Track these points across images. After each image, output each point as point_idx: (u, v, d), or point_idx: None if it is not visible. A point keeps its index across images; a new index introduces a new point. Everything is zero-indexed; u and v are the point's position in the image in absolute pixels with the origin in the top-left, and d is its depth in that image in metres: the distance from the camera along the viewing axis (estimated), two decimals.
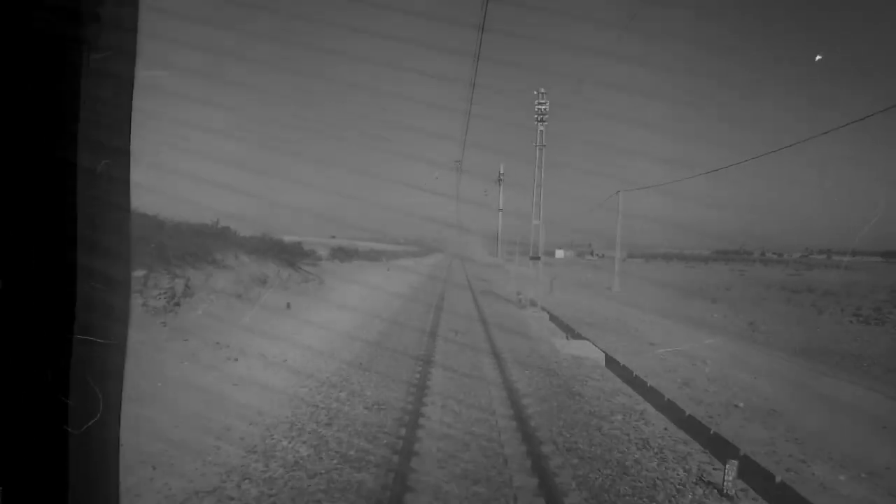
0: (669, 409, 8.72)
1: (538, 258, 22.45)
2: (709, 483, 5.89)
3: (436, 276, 41.09)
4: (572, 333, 16.13)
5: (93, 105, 0.82)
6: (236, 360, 10.53)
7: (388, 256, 58.21)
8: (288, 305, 18.27)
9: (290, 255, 27.37)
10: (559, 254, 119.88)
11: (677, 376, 11.28)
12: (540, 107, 19.85)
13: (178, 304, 13.94)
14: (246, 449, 6.14)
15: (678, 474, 6.05)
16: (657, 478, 5.88)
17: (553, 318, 19.84)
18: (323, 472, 5.63)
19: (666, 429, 7.82)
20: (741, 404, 9.42)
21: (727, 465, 5.54)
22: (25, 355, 0.80)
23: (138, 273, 13.81)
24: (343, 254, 45.63)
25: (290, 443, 6.40)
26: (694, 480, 5.94)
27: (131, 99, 0.91)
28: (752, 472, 6.16)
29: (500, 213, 39.87)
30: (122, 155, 0.90)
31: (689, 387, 10.47)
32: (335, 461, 5.93)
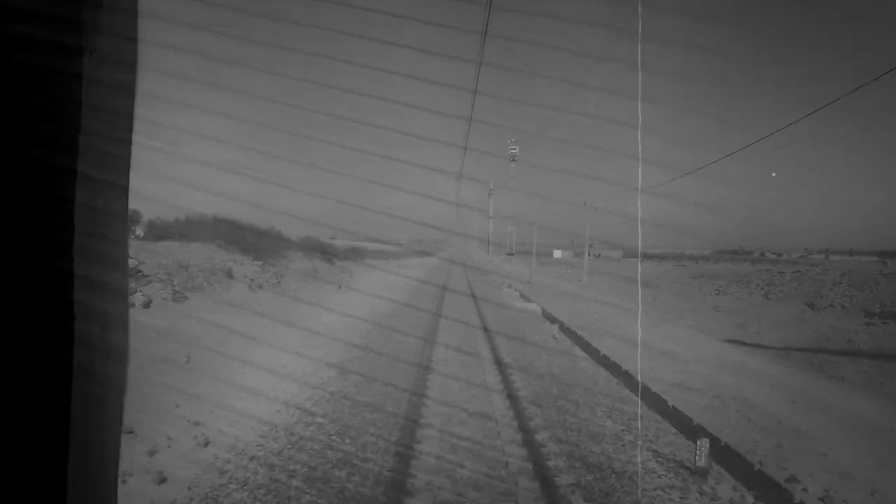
0: (563, 328, 17.25)
1: (512, 254, 31.06)
2: (556, 339, 14.43)
3: (438, 271, 49.52)
4: (528, 300, 24.72)
5: (93, 112, 0.83)
6: (332, 310, 19.04)
7: (393, 257, 66.81)
8: (339, 286, 26.79)
9: (328, 253, 36.00)
10: (557, 254, 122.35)
11: (578, 316, 19.79)
12: (511, 151, 28.45)
13: (279, 283, 22.50)
14: (370, 322, 14.64)
15: (549, 342, 14.58)
16: (537, 340, 14.42)
17: (522, 294, 28.37)
18: (398, 332, 14.13)
19: (552, 331, 16.37)
20: (600, 325, 17.93)
21: (555, 326, 14.06)
22: (23, 363, 0.80)
23: (258, 262, 22.36)
24: (355, 253, 54.29)
25: (378, 334, 14.87)
26: (552, 340, 14.48)
27: (132, 105, 0.93)
28: (575, 338, 14.69)
29: (491, 219, 48.51)
30: (122, 162, 0.91)
31: (579, 318, 19.01)
32: (400, 332, 14.43)
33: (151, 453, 6.03)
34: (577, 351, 13.11)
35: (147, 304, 13.11)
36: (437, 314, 18.65)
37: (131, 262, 14.24)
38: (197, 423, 7.03)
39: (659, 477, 5.78)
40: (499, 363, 10.89)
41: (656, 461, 6.22)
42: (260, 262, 22.13)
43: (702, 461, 5.79)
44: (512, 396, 8.55)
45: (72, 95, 0.82)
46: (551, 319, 18.05)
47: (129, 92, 0.93)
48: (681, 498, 5.32)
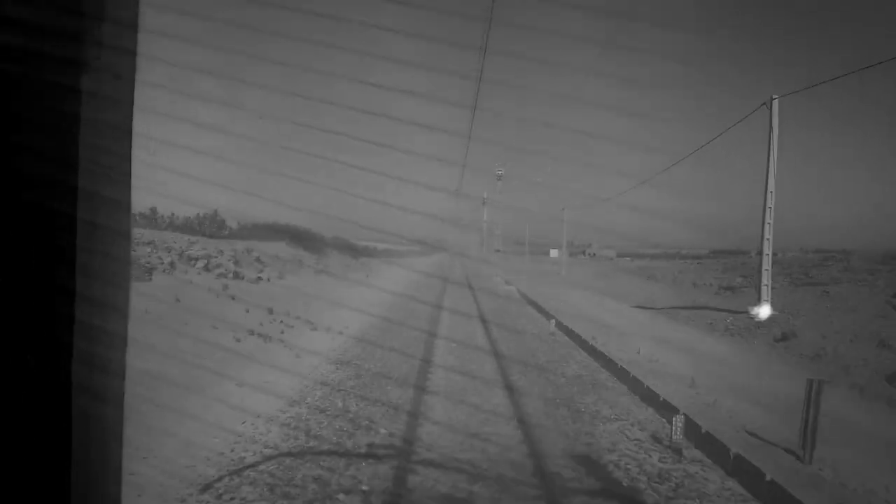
0: (527, 298, 25.86)
1: (499, 250, 39.80)
2: (516, 300, 23.06)
3: (443, 265, 58.25)
4: (509, 283, 33.43)
5: (93, 127, 0.83)
6: (367, 287, 27.63)
7: (400, 255, 75.55)
8: (367, 275, 35.42)
9: (354, 251, 44.68)
10: (553, 253, 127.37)
11: (540, 293, 28.38)
12: (498, 172, 37.21)
13: (325, 272, 31.11)
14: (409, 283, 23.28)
15: (516, 305, 23.19)
16: (504, 305, 23.06)
17: (506, 281, 37.07)
18: (426, 291, 22.77)
19: (519, 304, 24.98)
20: (547, 297, 26.53)
21: (518, 295, 22.65)
22: (23, 377, 0.80)
23: (314, 255, 30.97)
24: (367, 251, 62.91)
25: (408, 293, 23.48)
26: (520, 302, 23.11)
27: (131, 119, 0.93)
28: (530, 300, 23.30)
29: (485, 225, 57.26)
30: (122, 178, 0.91)
31: (542, 296, 27.63)
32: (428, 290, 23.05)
33: (328, 330, 14.60)
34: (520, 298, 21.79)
35: (269, 279, 21.77)
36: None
37: (258, 253, 22.88)
38: (336, 320, 15.61)
39: (532, 334, 14.43)
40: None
41: (534, 331, 14.88)
42: (315, 256, 30.77)
43: (552, 329, 14.46)
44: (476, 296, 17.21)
45: (71, 109, 0.82)
46: (526, 298, 26.74)
47: (127, 105, 0.92)
48: (540, 340, 13.96)
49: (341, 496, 5.08)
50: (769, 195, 17.30)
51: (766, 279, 17.35)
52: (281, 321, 14.21)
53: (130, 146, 0.94)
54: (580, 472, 5.81)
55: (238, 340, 11.24)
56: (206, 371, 8.78)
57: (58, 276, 0.83)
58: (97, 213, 0.86)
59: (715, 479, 5.83)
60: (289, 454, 6.04)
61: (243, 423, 6.89)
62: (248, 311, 14.12)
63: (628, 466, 6.07)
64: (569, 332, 14.87)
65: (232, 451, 6.05)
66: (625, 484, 5.62)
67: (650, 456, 6.41)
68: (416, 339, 13.20)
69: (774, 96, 16.62)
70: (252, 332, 12.05)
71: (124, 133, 0.93)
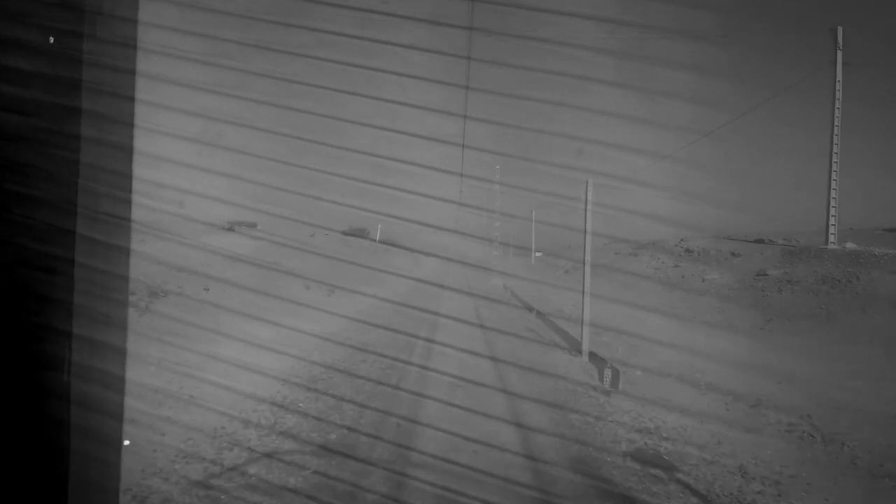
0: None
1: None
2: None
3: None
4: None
5: (94, 144, 0.84)
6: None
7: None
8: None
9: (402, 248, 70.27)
10: (538, 255, 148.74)
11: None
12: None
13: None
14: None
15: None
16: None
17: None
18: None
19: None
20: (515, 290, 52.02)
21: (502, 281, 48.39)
22: (21, 389, 0.82)
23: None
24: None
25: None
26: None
27: (132, 138, 0.94)
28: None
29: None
30: (123, 195, 0.93)
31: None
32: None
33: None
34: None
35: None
36: None
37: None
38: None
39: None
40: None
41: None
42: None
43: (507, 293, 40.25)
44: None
45: (72, 127, 0.82)
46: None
47: (128, 123, 0.92)
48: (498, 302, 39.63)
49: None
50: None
51: (534, 247, 43.59)
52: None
53: (131, 163, 0.94)
54: None
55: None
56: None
57: (56, 291, 0.84)
58: (96, 229, 0.87)
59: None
60: None
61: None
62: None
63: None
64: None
65: None
66: None
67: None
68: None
69: None
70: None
71: (125, 152, 0.93)
